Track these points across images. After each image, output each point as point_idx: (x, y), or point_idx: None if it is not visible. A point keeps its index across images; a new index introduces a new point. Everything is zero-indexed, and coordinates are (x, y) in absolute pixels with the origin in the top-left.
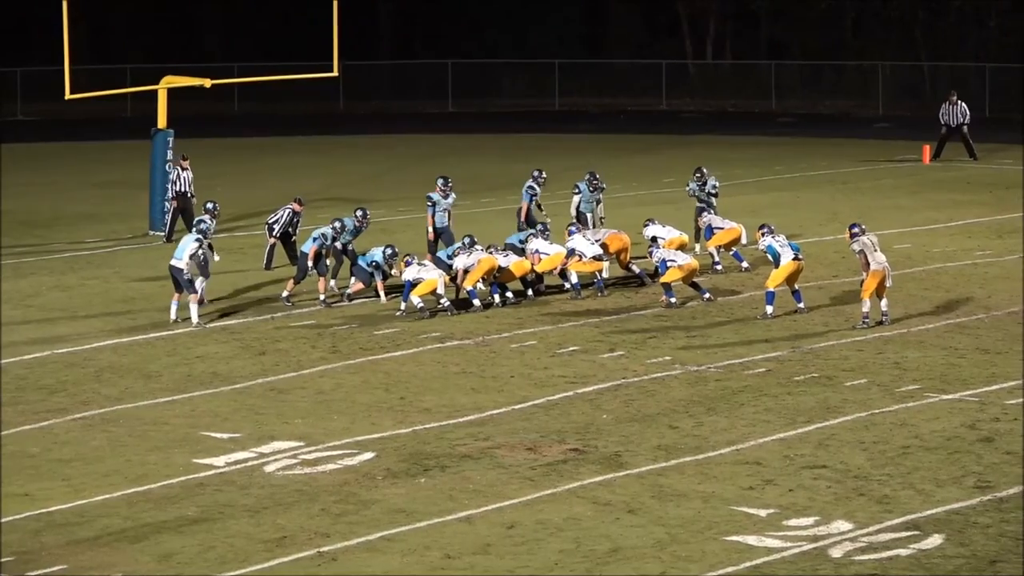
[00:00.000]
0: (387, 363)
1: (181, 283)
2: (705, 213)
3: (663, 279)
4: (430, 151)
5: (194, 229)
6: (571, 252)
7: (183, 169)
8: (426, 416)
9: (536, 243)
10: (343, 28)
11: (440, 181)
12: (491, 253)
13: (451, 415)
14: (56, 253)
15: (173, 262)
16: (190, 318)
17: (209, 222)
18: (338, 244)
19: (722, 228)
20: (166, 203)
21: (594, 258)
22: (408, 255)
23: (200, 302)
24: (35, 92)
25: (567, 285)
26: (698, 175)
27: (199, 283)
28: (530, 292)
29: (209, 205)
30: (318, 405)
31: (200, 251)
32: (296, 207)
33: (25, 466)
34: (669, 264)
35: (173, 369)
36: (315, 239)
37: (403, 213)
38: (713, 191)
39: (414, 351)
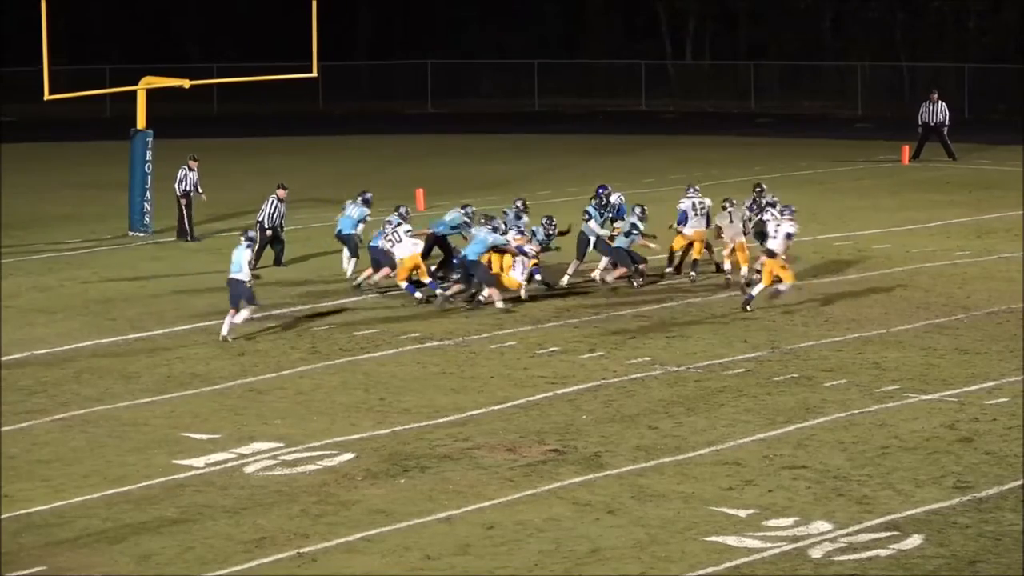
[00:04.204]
0: (367, 364)
1: (239, 296)
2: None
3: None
4: (409, 152)
5: (243, 237)
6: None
7: (190, 169)
8: (406, 417)
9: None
10: (322, 29)
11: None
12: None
13: (431, 416)
14: (35, 254)
15: (232, 276)
16: (223, 331)
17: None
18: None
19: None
20: (179, 202)
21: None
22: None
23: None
24: (13, 93)
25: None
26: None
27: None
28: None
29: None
30: (298, 406)
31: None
32: (280, 193)
33: (4, 467)
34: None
35: (152, 370)
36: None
37: (381, 213)
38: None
39: (394, 352)
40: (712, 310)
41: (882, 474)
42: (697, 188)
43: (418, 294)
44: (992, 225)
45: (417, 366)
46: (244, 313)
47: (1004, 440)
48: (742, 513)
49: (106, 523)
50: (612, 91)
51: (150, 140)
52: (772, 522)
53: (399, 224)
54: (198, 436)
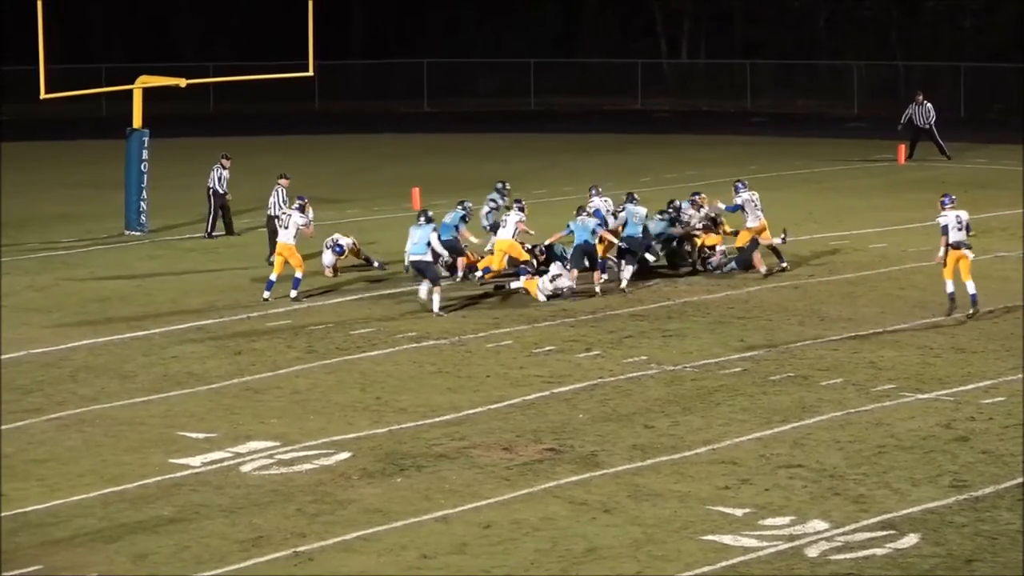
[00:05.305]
0: (363, 363)
1: (428, 273)
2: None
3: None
4: (405, 151)
5: (422, 217)
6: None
7: (223, 168)
8: (402, 416)
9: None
10: (318, 28)
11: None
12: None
13: (427, 415)
14: (30, 253)
15: (414, 258)
16: (433, 307)
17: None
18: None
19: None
20: (213, 202)
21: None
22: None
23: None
24: (9, 91)
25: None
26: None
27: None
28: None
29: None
30: (294, 405)
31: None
32: (283, 183)
33: (1, 466)
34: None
35: (148, 369)
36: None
37: (377, 213)
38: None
39: (390, 351)
40: (708, 309)
41: (878, 473)
42: (746, 183)
43: (293, 292)
44: (988, 224)
45: (413, 365)
46: (436, 298)
47: (1000, 439)
48: (738, 512)
49: (102, 522)
50: (608, 90)
51: (146, 139)
52: (768, 521)
53: (301, 208)
54: (194, 435)
